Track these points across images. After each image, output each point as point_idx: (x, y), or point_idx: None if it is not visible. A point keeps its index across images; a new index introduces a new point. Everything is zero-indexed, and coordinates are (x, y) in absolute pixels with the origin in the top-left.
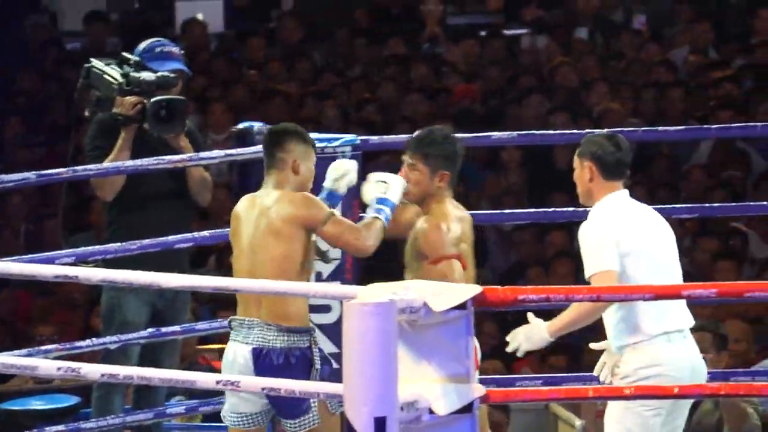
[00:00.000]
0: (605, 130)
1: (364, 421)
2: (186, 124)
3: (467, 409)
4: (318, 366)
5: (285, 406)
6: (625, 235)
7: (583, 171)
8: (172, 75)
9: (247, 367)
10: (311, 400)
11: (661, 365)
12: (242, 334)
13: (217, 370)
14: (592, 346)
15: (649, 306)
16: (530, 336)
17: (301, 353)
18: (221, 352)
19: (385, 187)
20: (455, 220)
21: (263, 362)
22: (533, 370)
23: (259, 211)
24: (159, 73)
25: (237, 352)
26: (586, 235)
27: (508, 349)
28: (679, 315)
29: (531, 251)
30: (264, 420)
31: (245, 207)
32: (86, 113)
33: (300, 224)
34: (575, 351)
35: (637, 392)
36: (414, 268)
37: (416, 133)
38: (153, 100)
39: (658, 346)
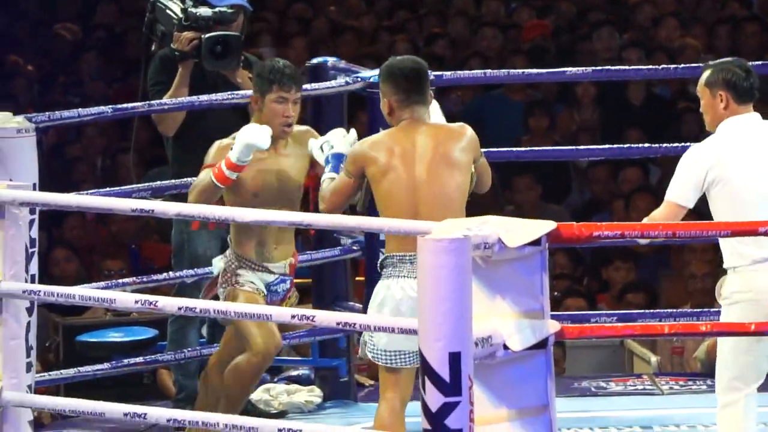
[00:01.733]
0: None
1: (438, 356)
2: (241, 60)
3: (542, 345)
4: None
5: None
6: (716, 162)
7: (715, 100)
8: (230, 11)
9: None
10: None
11: (753, 291)
12: (406, 269)
13: None
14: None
15: None
16: None
17: None
18: None
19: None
20: None
21: None
22: (609, 306)
23: (432, 144)
24: (216, 9)
25: (406, 287)
26: (683, 156)
27: None
28: None
29: (605, 188)
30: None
31: (400, 140)
32: (152, 48)
33: (472, 155)
34: (653, 289)
35: (713, 329)
36: None
37: (288, 71)
38: (207, 35)
39: (754, 272)
